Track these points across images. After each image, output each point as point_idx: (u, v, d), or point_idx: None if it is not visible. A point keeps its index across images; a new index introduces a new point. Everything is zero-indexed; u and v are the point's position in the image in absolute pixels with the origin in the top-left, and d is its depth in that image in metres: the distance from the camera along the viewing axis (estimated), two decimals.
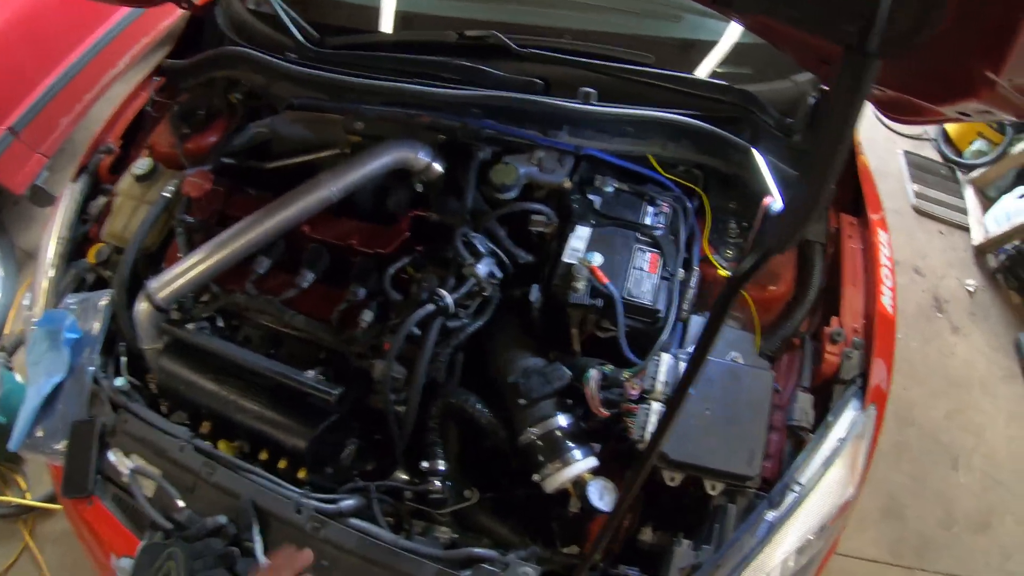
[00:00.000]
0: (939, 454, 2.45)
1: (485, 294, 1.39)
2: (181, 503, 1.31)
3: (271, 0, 1.72)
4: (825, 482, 1.23)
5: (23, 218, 3.13)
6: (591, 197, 1.45)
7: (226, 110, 1.80)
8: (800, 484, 1.22)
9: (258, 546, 1.23)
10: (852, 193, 1.60)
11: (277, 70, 1.64)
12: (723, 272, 1.40)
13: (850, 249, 1.50)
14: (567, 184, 1.44)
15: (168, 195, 1.68)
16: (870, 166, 1.70)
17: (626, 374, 1.27)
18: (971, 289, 2.86)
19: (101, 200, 1.83)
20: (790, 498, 1.21)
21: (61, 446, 1.46)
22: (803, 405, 1.30)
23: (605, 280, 1.30)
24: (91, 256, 1.72)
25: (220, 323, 1.59)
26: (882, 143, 3.47)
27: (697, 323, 1.35)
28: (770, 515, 1.20)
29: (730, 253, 1.44)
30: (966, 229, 3.11)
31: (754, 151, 1.38)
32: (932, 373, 2.61)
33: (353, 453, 1.43)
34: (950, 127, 3.42)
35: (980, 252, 2.96)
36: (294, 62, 1.65)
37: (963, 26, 0.73)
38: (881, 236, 1.54)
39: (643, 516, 1.36)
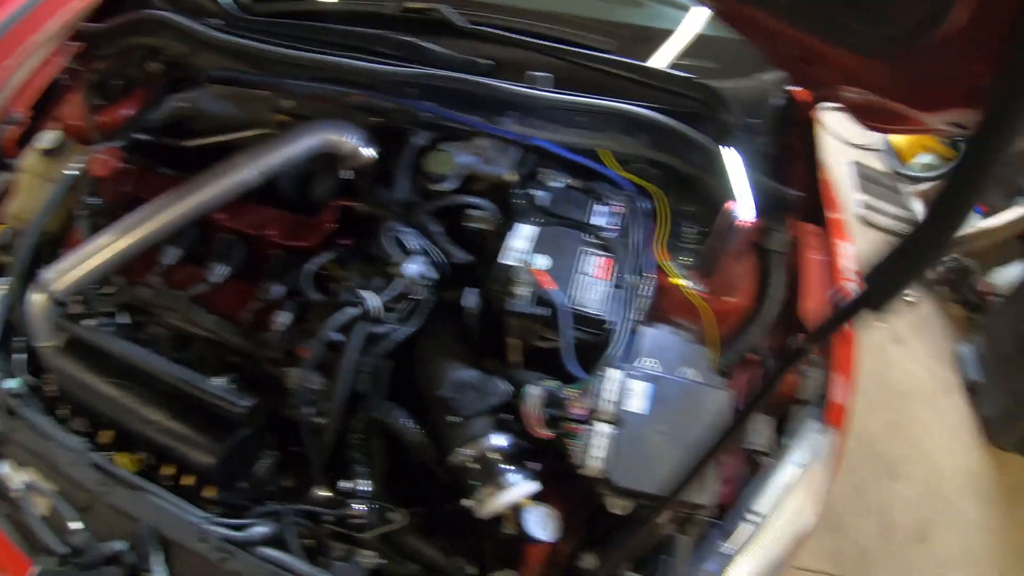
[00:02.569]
0: (878, 464, 2.35)
1: (415, 297, 1.18)
2: (77, 524, 1.12)
3: None
4: (783, 511, 1.09)
5: None
6: (537, 193, 1.25)
7: (145, 81, 1.54)
8: (756, 514, 1.06)
9: None
10: (813, 201, 1.43)
11: (200, 38, 1.41)
12: (676, 280, 1.22)
13: (811, 261, 1.34)
14: (511, 177, 1.25)
15: (73, 173, 1.43)
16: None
17: (569, 391, 1.08)
18: (912, 300, 2.77)
19: (5, 176, 1.55)
20: (746, 529, 1.05)
21: None
22: (761, 428, 1.14)
23: (552, 286, 1.10)
24: None
25: (124, 319, 1.35)
26: (830, 151, 3.33)
27: (649, 335, 1.17)
28: (724, 547, 1.04)
29: (685, 260, 1.26)
30: None
31: (722, 150, 1.20)
32: (872, 383, 2.50)
33: (270, 467, 1.23)
34: (898, 140, 3.33)
35: None
36: (219, 29, 1.43)
37: (978, 26, 0.61)
38: (843, 247, 1.38)
39: (585, 539, 1.17)
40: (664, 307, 1.26)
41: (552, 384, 1.10)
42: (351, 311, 1.12)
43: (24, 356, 1.35)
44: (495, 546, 1.20)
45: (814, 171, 1.45)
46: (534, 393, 1.07)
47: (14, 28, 2.42)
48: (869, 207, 3.11)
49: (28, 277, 1.32)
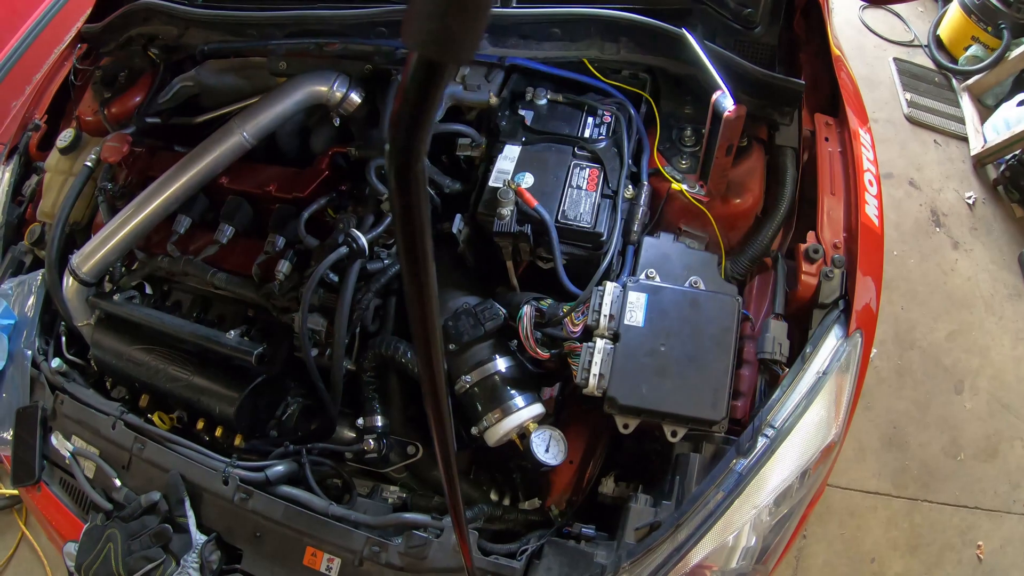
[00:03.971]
0: (942, 378, 2.14)
1: None
2: (118, 482, 1.18)
3: None
4: (803, 424, 0.97)
5: None
6: (522, 112, 1.18)
7: (148, 68, 1.56)
8: (773, 427, 0.97)
9: (191, 521, 1.11)
10: (828, 90, 1.28)
11: (184, 16, 1.41)
12: (676, 185, 1.11)
13: (827, 153, 1.20)
14: (493, 100, 1.18)
15: (90, 164, 1.48)
16: (850, 65, 1.38)
17: (565, 308, 1.01)
18: (971, 202, 2.48)
19: (34, 179, 1.65)
20: (762, 444, 0.96)
21: (8, 435, 1.33)
22: (776, 335, 1.03)
23: (533, 203, 1.04)
24: (26, 237, 1.57)
25: (149, 290, 1.40)
26: (871, 51, 3.03)
27: (650, 245, 1.08)
28: (739, 464, 0.95)
29: (685, 164, 1.15)
30: (963, 139, 2.69)
31: (689, 36, 1.07)
32: (933, 292, 2.27)
33: (295, 413, 1.24)
34: (944, 32, 2.96)
35: (979, 163, 2.55)
36: (200, 6, 1.42)
37: None
38: (863, 137, 1.23)
39: (606, 465, 1.14)
40: (668, 214, 1.16)
41: (548, 303, 1.04)
42: (342, 250, 1.09)
43: (65, 337, 1.43)
44: (524, 475, 1.17)
45: (828, 57, 1.29)
46: (527, 313, 1.01)
47: (36, 42, 2.55)
48: (916, 105, 2.78)
49: (60, 265, 1.38)
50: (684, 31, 1.08)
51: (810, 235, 1.10)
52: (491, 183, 1.08)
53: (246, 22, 1.30)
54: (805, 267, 1.07)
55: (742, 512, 0.93)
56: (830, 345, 1.03)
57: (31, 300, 1.48)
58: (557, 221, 1.04)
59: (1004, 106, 2.59)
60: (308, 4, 1.31)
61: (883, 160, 2.48)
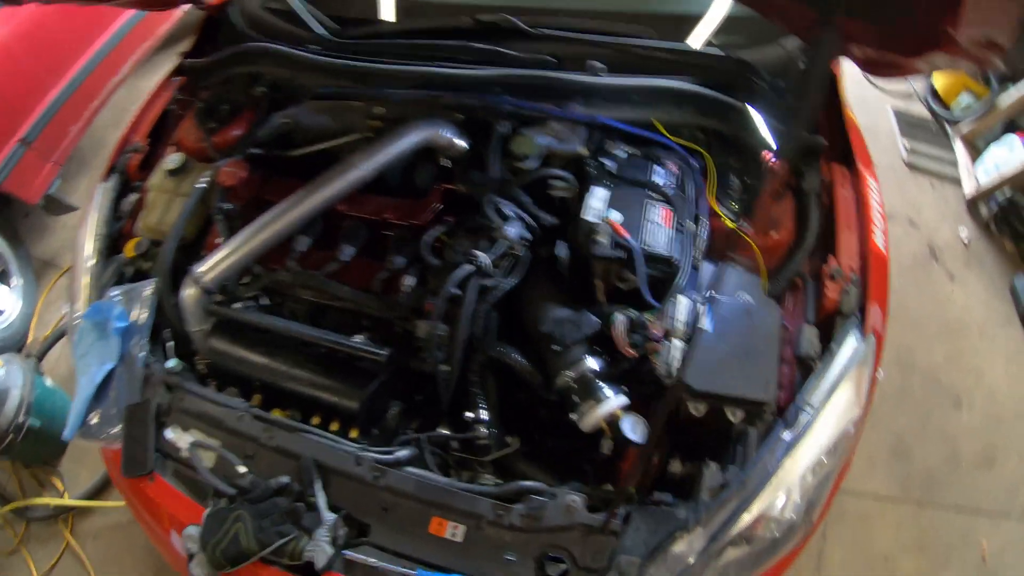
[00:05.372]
0: (941, 395, 2.66)
1: (517, 254, 1.56)
2: (243, 469, 1.42)
3: None
4: (834, 402, 1.40)
5: (37, 228, 3.28)
6: (604, 161, 1.62)
7: (250, 103, 1.95)
8: (811, 405, 1.39)
9: (321, 500, 1.35)
10: (842, 146, 1.79)
11: (303, 62, 1.77)
12: (728, 223, 1.59)
13: (843, 196, 1.69)
14: (584, 152, 1.62)
15: (203, 186, 1.82)
16: (858, 121, 1.90)
17: (648, 316, 1.45)
18: (965, 238, 3.07)
19: (132, 197, 1.96)
20: (804, 418, 1.38)
21: (117, 430, 1.55)
22: (809, 337, 1.49)
23: (625, 234, 1.48)
24: (129, 250, 1.84)
25: (264, 301, 1.76)
26: (873, 102, 3.69)
27: (708, 269, 1.54)
28: (787, 435, 1.36)
29: (734, 206, 1.63)
30: (958, 181, 3.33)
31: (748, 107, 1.57)
32: (930, 319, 2.81)
33: (397, 415, 1.59)
34: (937, 83, 3.62)
35: (972, 203, 3.18)
36: (318, 53, 1.79)
37: None
38: (870, 183, 1.73)
39: (671, 450, 1.51)
40: (720, 246, 1.62)
41: (633, 313, 1.48)
42: (467, 268, 1.49)
43: (172, 343, 1.71)
44: (594, 466, 1.56)
45: (841, 117, 1.80)
46: (620, 319, 1.45)
47: (95, 70, 2.95)
48: (914, 152, 3.42)
49: (172, 275, 1.70)
50: (744, 104, 1.57)
51: (831, 259, 1.57)
52: (586, 217, 1.51)
53: (374, 73, 1.68)
54: (829, 285, 1.53)
55: (791, 473, 1.33)
56: (851, 344, 1.46)
57: (139, 308, 1.73)
58: (640, 248, 1.49)
59: (993, 148, 3.22)
60: (415, 63, 1.74)
61: (884, 202, 3.07)
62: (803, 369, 1.48)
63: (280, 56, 1.82)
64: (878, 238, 1.64)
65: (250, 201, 1.82)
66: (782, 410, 1.42)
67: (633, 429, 1.42)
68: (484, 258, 1.50)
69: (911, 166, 3.41)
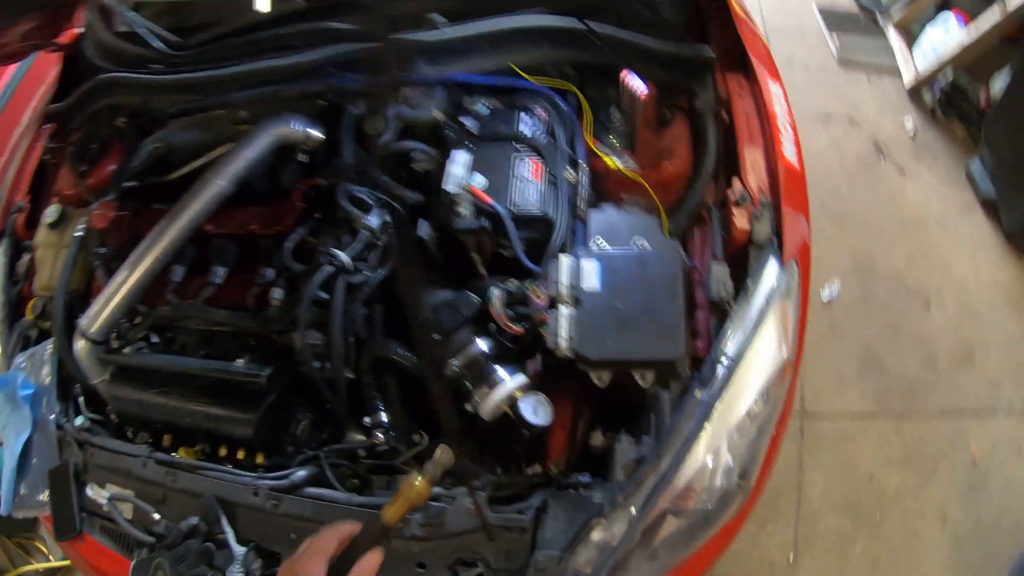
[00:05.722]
0: (908, 298, 2.33)
1: (381, 243, 1.30)
2: (156, 515, 1.30)
3: (125, 17, 1.62)
4: (755, 348, 1.14)
5: None
6: (464, 121, 1.35)
7: (117, 136, 1.71)
8: (728, 357, 1.13)
9: (230, 535, 1.23)
10: (738, 52, 1.46)
11: (147, 85, 1.56)
12: (611, 163, 1.29)
13: (742, 109, 1.38)
14: (439, 116, 1.34)
15: (80, 234, 1.63)
16: (757, 22, 1.57)
17: (530, 284, 1.18)
18: (911, 129, 2.68)
19: (25, 258, 1.78)
20: (720, 372, 1.12)
21: (44, 496, 1.45)
22: (718, 276, 1.20)
23: (488, 200, 1.20)
24: (28, 313, 1.69)
25: (155, 339, 1.54)
26: (794, 3, 3.24)
27: (595, 217, 1.25)
28: (703, 394, 1.11)
29: (615, 142, 1.32)
30: (895, 71, 2.89)
31: (600, 30, 1.25)
32: (885, 220, 2.46)
33: (307, 426, 1.40)
34: None
35: (914, 91, 2.76)
36: (160, 72, 1.56)
37: None
38: (773, 88, 1.41)
39: (593, 421, 1.28)
40: (610, 188, 1.33)
41: (514, 284, 1.21)
42: (327, 270, 1.25)
43: (81, 397, 1.55)
44: (522, 446, 1.32)
45: (730, 20, 1.47)
46: (495, 294, 1.18)
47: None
48: (845, 47, 2.98)
49: (67, 331, 1.52)
50: (593, 27, 1.26)
51: (736, 183, 1.28)
52: (445, 187, 1.25)
53: (209, 81, 1.45)
54: (736, 213, 1.24)
55: (714, 436, 1.09)
56: (769, 277, 1.19)
57: (44, 369, 1.60)
58: (509, 211, 1.21)
59: (928, 31, 2.79)
60: (259, 57, 1.47)
61: (819, 104, 2.68)
62: (718, 314, 1.21)
63: (125, 84, 1.59)
64: (787, 150, 1.33)
65: (129, 239, 1.58)
66: (703, 362, 1.16)
67: (535, 411, 1.18)
68: (342, 256, 1.25)
69: (844, 62, 2.97)
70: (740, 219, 1.24)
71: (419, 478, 0.97)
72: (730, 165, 1.34)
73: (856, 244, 2.40)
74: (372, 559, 0.93)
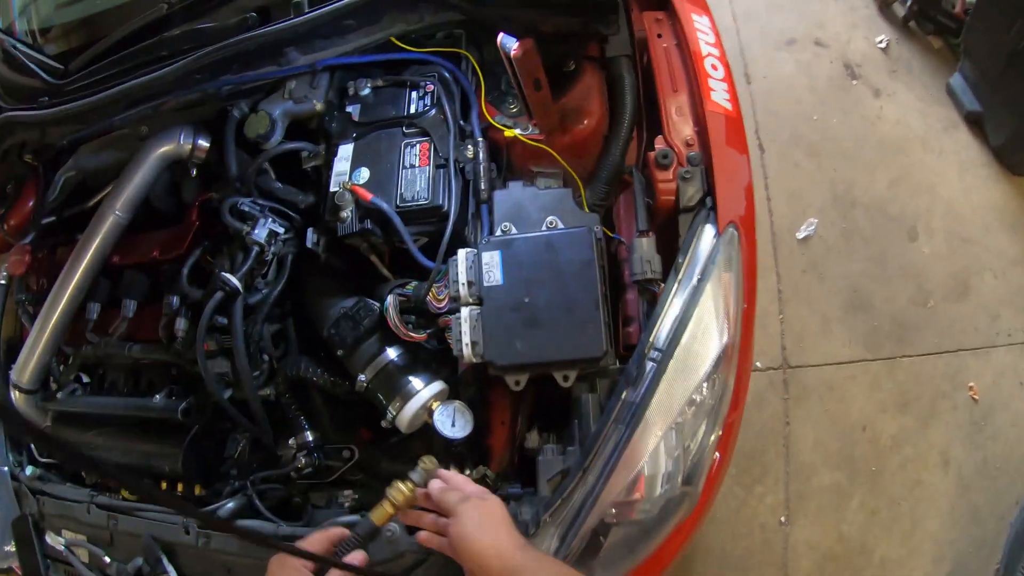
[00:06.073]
0: (893, 228, 1.98)
1: (270, 256, 1.09)
2: (107, 559, 1.20)
3: (8, 46, 1.40)
4: (688, 336, 0.89)
5: None
6: (349, 109, 1.11)
7: (30, 173, 1.51)
8: (658, 349, 0.89)
9: (172, 574, 1.12)
10: None
11: (37, 121, 1.35)
12: (509, 132, 1.03)
13: (662, 51, 1.09)
14: (319, 107, 1.11)
15: (3, 281, 1.50)
16: None
17: (427, 286, 0.95)
18: (883, 45, 2.26)
19: None
20: (649, 368, 0.88)
21: (11, 547, 1.36)
22: (643, 253, 0.95)
23: (368, 196, 0.98)
24: None
25: (85, 379, 1.38)
26: None
27: (502, 198, 1.00)
28: (630, 394, 0.88)
29: (515, 108, 1.06)
30: None
31: None
32: (863, 145, 2.08)
33: (246, 447, 1.23)
34: None
35: (884, 4, 2.33)
36: (47, 106, 1.33)
37: None
38: (697, 21, 1.11)
39: (532, 418, 1.07)
40: (518, 162, 1.08)
41: (412, 287, 0.98)
42: (218, 295, 1.05)
43: (32, 446, 1.43)
44: (468, 447, 1.13)
45: None
46: (391, 302, 0.96)
47: None
48: None
49: (6, 382, 1.36)
50: None
51: (658, 140, 1.00)
52: (332, 188, 1.02)
53: (86, 109, 1.24)
54: (659, 175, 0.97)
55: (647, 440, 0.86)
56: (704, 247, 0.94)
57: None
58: (397, 206, 0.98)
59: None
60: (137, 73, 1.25)
61: (783, 27, 2.29)
62: (647, 296, 0.96)
63: (20, 122, 1.38)
64: (718, 94, 1.04)
65: (50, 280, 1.41)
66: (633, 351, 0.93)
67: (452, 423, 0.99)
68: (232, 280, 1.05)
69: None
70: (664, 181, 0.97)
71: (409, 485, 0.86)
72: (653, 119, 1.06)
73: (833, 174, 2.05)
74: (356, 558, 0.83)
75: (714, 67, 1.07)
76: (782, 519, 1.69)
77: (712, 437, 0.92)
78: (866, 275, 1.93)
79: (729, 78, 1.08)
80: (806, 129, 2.12)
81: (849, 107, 2.14)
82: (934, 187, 2.03)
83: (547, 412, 1.07)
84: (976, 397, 1.78)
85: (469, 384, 1.05)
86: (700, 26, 1.11)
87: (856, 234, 1.98)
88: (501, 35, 0.87)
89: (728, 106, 1.04)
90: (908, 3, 2.25)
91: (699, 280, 0.91)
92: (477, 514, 0.77)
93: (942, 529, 1.69)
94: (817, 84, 2.19)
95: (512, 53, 0.85)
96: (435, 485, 0.84)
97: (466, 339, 0.90)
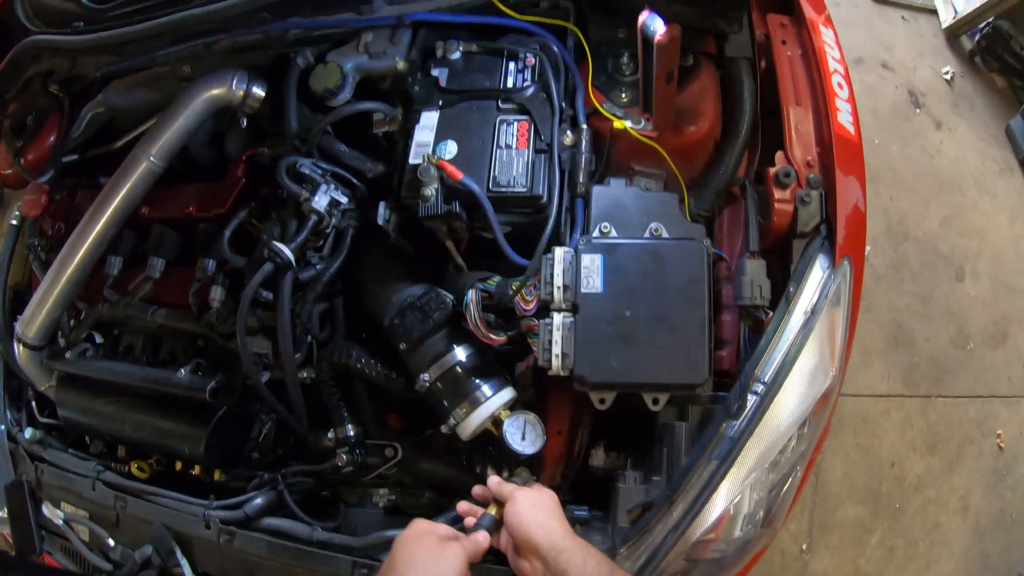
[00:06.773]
0: (941, 266, 1.94)
1: (329, 228, 0.97)
2: (111, 541, 1.11)
3: None
4: (795, 373, 0.82)
5: None
6: (435, 72, 0.99)
7: (54, 106, 1.35)
8: (762, 382, 0.81)
9: (186, 569, 1.03)
10: None
11: (71, 47, 1.19)
12: (619, 123, 0.92)
13: (786, 58, 0.99)
14: (401, 65, 0.98)
15: (16, 222, 1.36)
16: None
17: (515, 285, 0.84)
18: (948, 77, 2.19)
19: None
20: (752, 402, 0.81)
21: (4, 513, 1.27)
22: (753, 276, 0.86)
23: (459, 175, 0.86)
24: None
25: (99, 339, 1.25)
26: None
27: (600, 196, 0.90)
28: (730, 427, 0.80)
29: (626, 97, 0.95)
30: (932, 11, 2.36)
31: None
32: (920, 178, 2.02)
33: (271, 430, 1.13)
34: None
35: (952, 34, 2.26)
36: (82, 32, 1.18)
37: None
38: (825, 34, 1.01)
39: (595, 433, 0.99)
40: (618, 156, 0.97)
41: (496, 282, 0.88)
42: (267, 267, 0.93)
43: (33, 403, 1.32)
44: (514, 456, 1.03)
45: None
46: (472, 299, 0.86)
47: None
48: None
49: (11, 333, 1.25)
50: None
51: (779, 156, 0.91)
52: (411, 160, 0.90)
53: (126, 39, 1.09)
54: (777, 194, 0.88)
55: (739, 478, 0.79)
56: (816, 279, 0.86)
57: None
58: (489, 190, 0.87)
59: None
60: (189, 5, 1.10)
61: (851, 45, 2.20)
62: (751, 322, 0.88)
63: (50, 47, 1.22)
64: (843, 114, 0.95)
65: (65, 226, 1.29)
66: (728, 376, 0.86)
67: (522, 436, 0.90)
68: (285, 251, 0.92)
69: None
70: (782, 201, 0.88)
71: None
72: (770, 129, 0.97)
73: (889, 204, 1.98)
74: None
75: (840, 85, 0.98)
76: (803, 547, 1.65)
77: (795, 479, 0.85)
78: (911, 311, 1.88)
79: (852, 99, 0.99)
80: (866, 153, 2.04)
81: (910, 137, 2.07)
82: (985, 230, 1.98)
83: (611, 424, 0.98)
84: (1002, 445, 1.76)
85: (527, 387, 0.97)
86: (827, 39, 1.01)
87: (906, 267, 1.92)
88: (646, 13, 0.76)
89: (851, 130, 0.95)
90: (976, 38, 2.18)
91: (810, 314, 0.83)
92: (533, 496, 0.80)
93: (954, 573, 1.67)
94: (880, 108, 2.11)
95: (657, 38, 0.75)
96: (494, 479, 0.86)
97: (556, 349, 0.80)
